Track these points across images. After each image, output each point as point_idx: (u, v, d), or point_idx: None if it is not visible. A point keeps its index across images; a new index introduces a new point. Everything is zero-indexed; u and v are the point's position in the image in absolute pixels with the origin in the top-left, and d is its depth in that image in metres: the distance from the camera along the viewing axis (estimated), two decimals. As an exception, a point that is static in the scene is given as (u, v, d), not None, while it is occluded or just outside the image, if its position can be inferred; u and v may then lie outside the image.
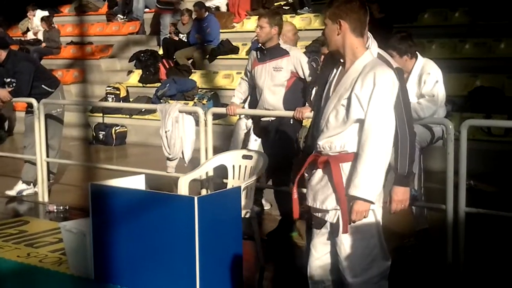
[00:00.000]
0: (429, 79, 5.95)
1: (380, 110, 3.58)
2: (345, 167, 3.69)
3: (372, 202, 3.62)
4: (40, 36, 16.47)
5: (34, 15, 16.95)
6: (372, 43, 3.85)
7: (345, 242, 3.73)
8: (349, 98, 3.64)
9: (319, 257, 3.90)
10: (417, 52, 6.12)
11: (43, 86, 8.37)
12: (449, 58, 10.70)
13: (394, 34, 6.18)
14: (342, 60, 3.78)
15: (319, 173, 3.81)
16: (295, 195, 3.95)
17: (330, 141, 3.72)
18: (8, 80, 8.35)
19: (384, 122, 3.59)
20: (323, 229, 3.85)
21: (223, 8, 15.20)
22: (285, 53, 6.36)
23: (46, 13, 16.75)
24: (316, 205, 3.79)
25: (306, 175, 3.91)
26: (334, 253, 3.83)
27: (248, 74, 6.62)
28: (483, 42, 11.14)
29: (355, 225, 3.68)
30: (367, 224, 3.71)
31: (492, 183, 8.25)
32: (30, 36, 16.84)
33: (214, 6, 15.11)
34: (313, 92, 5.91)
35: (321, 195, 3.76)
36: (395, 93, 3.68)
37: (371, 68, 3.63)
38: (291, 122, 6.37)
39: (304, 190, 3.95)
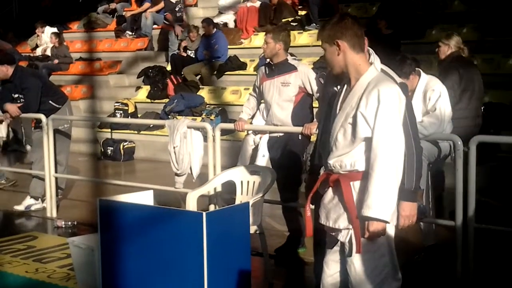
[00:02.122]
0: (433, 95, 5.95)
1: (386, 128, 3.55)
2: (356, 185, 3.67)
3: (387, 222, 3.59)
4: (49, 52, 16.55)
5: (43, 32, 17.04)
6: (375, 59, 3.82)
7: (355, 262, 3.70)
8: (355, 117, 3.62)
9: (332, 274, 3.87)
10: (419, 70, 6.11)
11: (50, 102, 8.39)
12: (457, 74, 10.66)
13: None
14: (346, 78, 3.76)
15: (330, 191, 3.80)
16: (308, 213, 3.94)
17: (340, 160, 3.70)
18: (16, 95, 8.38)
19: (392, 140, 3.56)
20: (335, 247, 3.83)
21: (231, 25, 15.22)
22: (293, 68, 6.37)
23: (55, 29, 16.84)
24: (329, 224, 3.78)
25: (320, 193, 3.88)
26: (345, 271, 3.79)
27: (257, 89, 6.63)
28: (491, 58, 11.10)
29: (365, 244, 3.64)
30: (378, 244, 3.68)
31: (501, 199, 8.21)
32: (39, 52, 16.93)
33: (222, 23, 15.16)
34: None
35: (334, 214, 3.75)
36: (402, 108, 3.64)
37: (375, 85, 3.60)
38: (300, 138, 6.36)
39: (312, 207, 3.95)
